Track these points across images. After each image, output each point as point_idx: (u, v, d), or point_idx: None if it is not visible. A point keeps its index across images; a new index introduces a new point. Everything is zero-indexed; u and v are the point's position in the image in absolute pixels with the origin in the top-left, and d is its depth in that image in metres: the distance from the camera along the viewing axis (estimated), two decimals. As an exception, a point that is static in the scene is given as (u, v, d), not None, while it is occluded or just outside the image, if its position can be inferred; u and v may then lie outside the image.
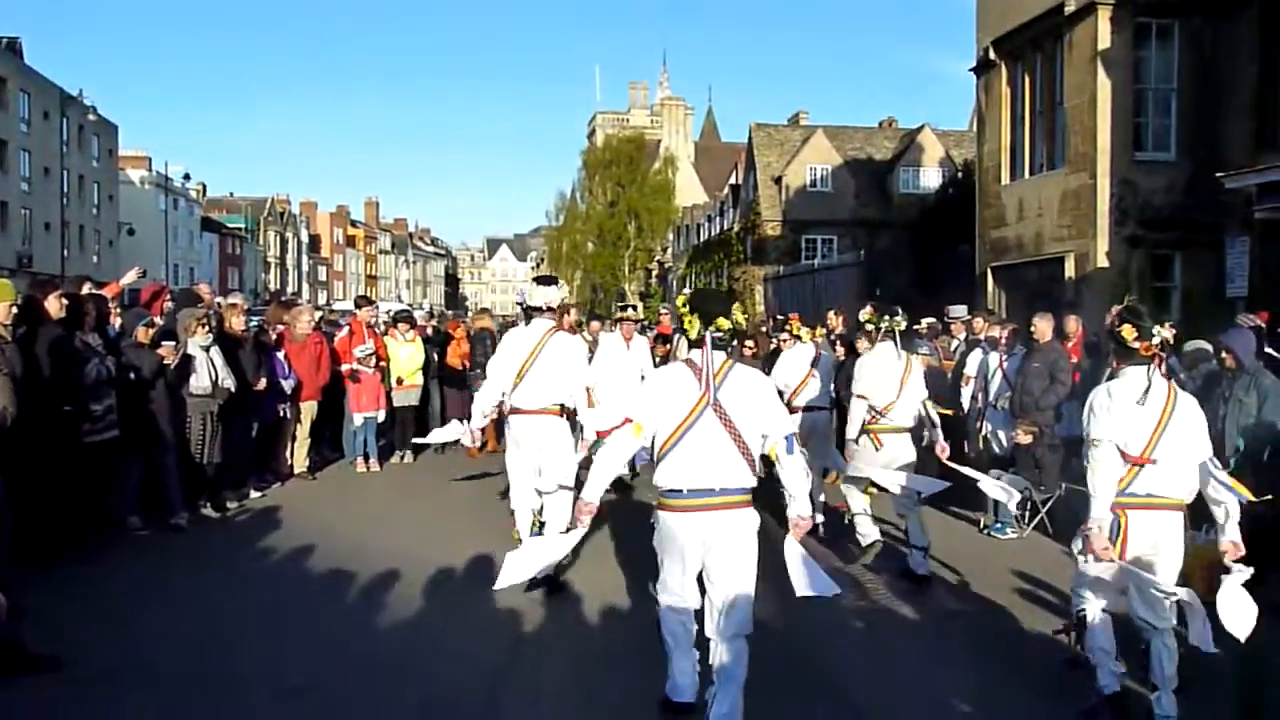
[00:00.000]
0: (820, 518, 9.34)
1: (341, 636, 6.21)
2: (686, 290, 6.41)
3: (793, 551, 4.66)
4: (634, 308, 13.56)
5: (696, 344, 4.76)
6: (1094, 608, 5.05)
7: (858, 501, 7.87)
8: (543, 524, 7.39)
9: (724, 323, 4.73)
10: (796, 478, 4.70)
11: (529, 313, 7.43)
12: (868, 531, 7.95)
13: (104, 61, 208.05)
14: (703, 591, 4.72)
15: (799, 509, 4.69)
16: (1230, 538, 4.90)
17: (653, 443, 4.68)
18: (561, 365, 7.13)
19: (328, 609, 6.79)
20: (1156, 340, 4.94)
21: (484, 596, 7.01)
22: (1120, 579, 4.91)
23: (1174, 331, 5.05)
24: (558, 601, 6.88)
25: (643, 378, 10.23)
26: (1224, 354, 7.60)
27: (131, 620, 6.40)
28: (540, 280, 7.60)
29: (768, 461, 4.73)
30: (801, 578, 4.64)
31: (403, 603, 6.84)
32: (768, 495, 5.20)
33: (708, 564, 4.63)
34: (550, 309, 7.35)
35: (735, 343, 4.85)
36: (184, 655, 5.75)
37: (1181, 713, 4.78)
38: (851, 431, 8.11)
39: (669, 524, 4.64)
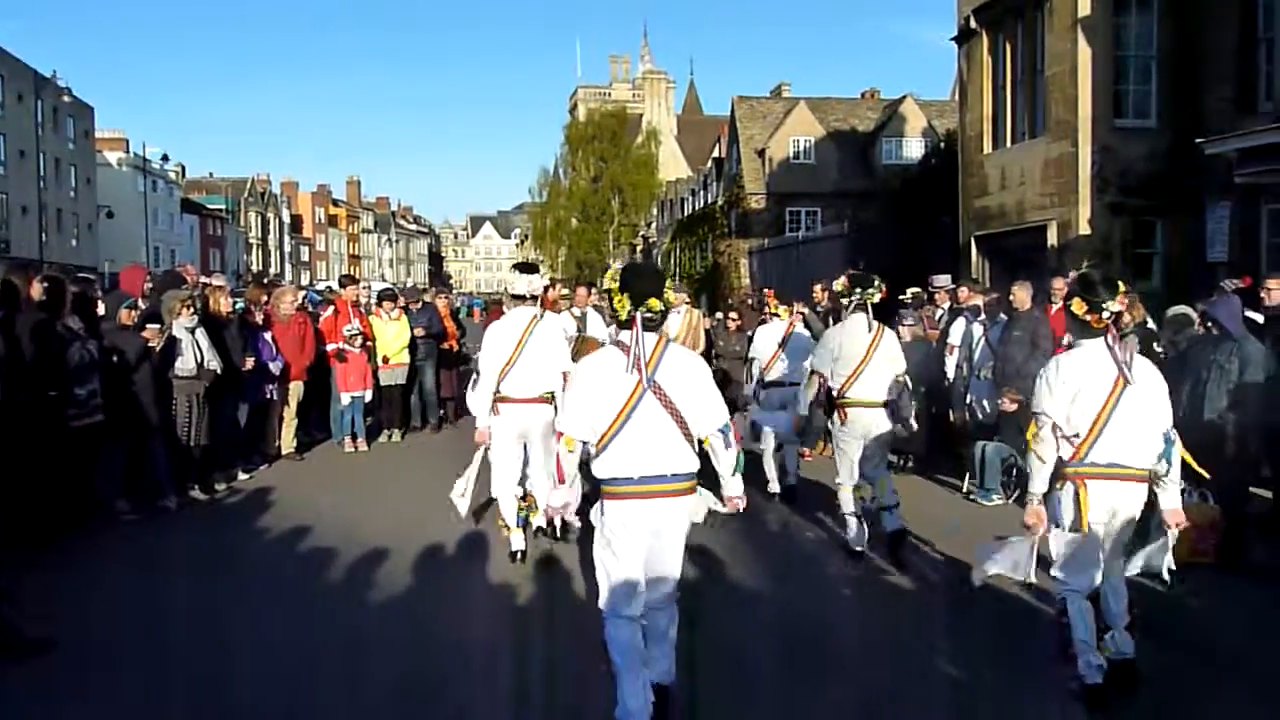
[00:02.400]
0: (776, 488, 9.50)
1: (330, 614, 6.25)
2: (617, 265, 6.19)
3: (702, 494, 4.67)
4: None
5: (626, 325, 4.55)
6: (1074, 595, 4.98)
7: (846, 502, 7.55)
8: (528, 509, 7.43)
9: (655, 303, 4.50)
10: (728, 464, 4.63)
11: (512, 300, 7.46)
12: (856, 535, 7.51)
13: (77, 42, 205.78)
14: None
15: (731, 490, 4.69)
16: (1173, 505, 5.00)
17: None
18: (548, 352, 7.16)
19: (316, 588, 6.82)
20: (1107, 314, 4.92)
21: (472, 574, 7.07)
22: (1091, 550, 4.96)
23: (1127, 301, 5.02)
24: (547, 578, 6.92)
25: None
26: (1209, 324, 7.63)
27: (122, 603, 6.42)
28: (521, 268, 7.60)
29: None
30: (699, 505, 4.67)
31: (391, 581, 6.87)
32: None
33: (651, 547, 4.52)
34: (533, 296, 7.36)
35: (662, 319, 4.61)
36: (173, 634, 5.77)
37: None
38: (800, 408, 8.14)
39: (620, 514, 4.45)
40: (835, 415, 7.55)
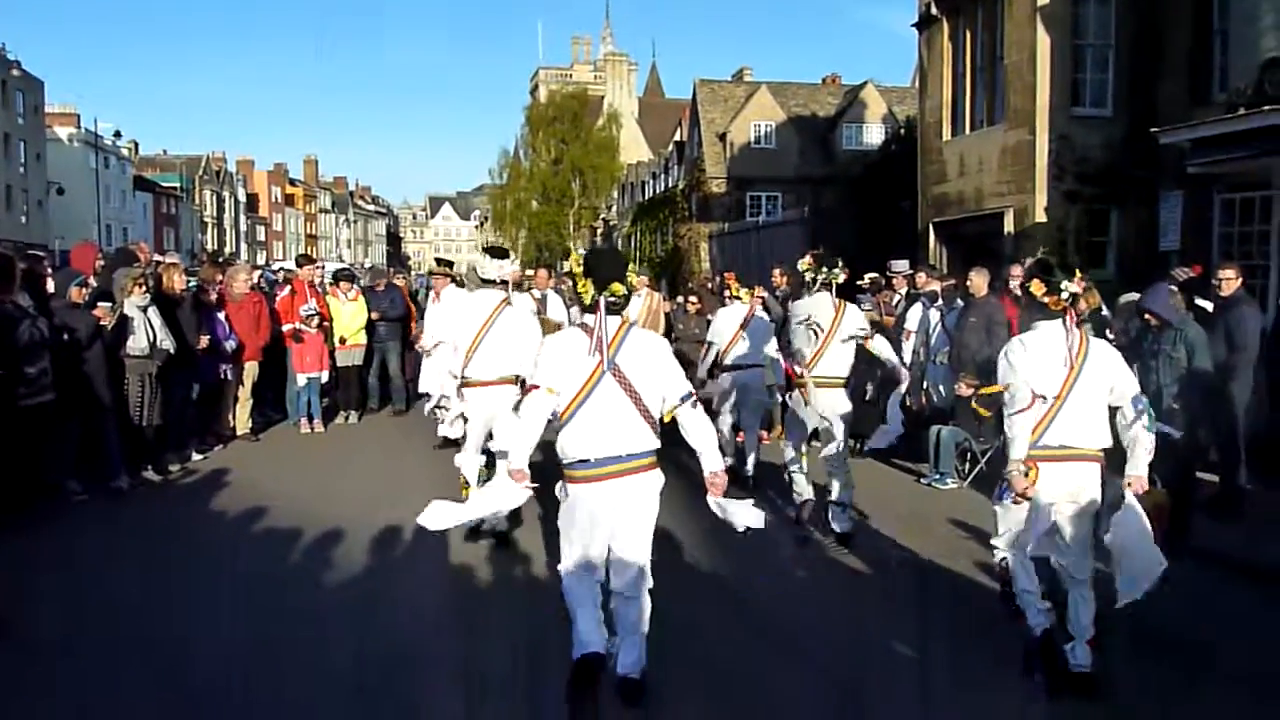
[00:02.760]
0: (750, 469, 9.54)
1: (287, 594, 6.22)
2: (580, 250, 6.21)
3: (717, 504, 4.79)
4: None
5: (590, 309, 4.71)
6: (1013, 556, 5.15)
7: (801, 481, 7.66)
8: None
9: (619, 287, 4.66)
10: (701, 433, 4.75)
11: (479, 283, 7.37)
12: (802, 489, 7.72)
13: (27, 14, 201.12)
14: None
15: (710, 464, 4.75)
16: (1137, 472, 5.08)
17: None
18: (514, 337, 7.10)
19: (272, 568, 6.78)
20: (1065, 295, 4.99)
21: (430, 554, 7.04)
22: (1042, 523, 5.03)
23: (1084, 285, 5.11)
24: (504, 558, 6.93)
25: None
26: (1146, 317, 7.76)
27: (74, 585, 6.33)
28: (492, 252, 7.53)
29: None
30: (734, 518, 4.82)
31: (348, 560, 6.84)
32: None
33: (614, 527, 4.65)
34: (503, 281, 7.31)
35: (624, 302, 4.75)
36: (128, 618, 5.72)
37: (1097, 666, 4.94)
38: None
39: (579, 495, 4.63)
40: (796, 392, 7.57)
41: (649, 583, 4.73)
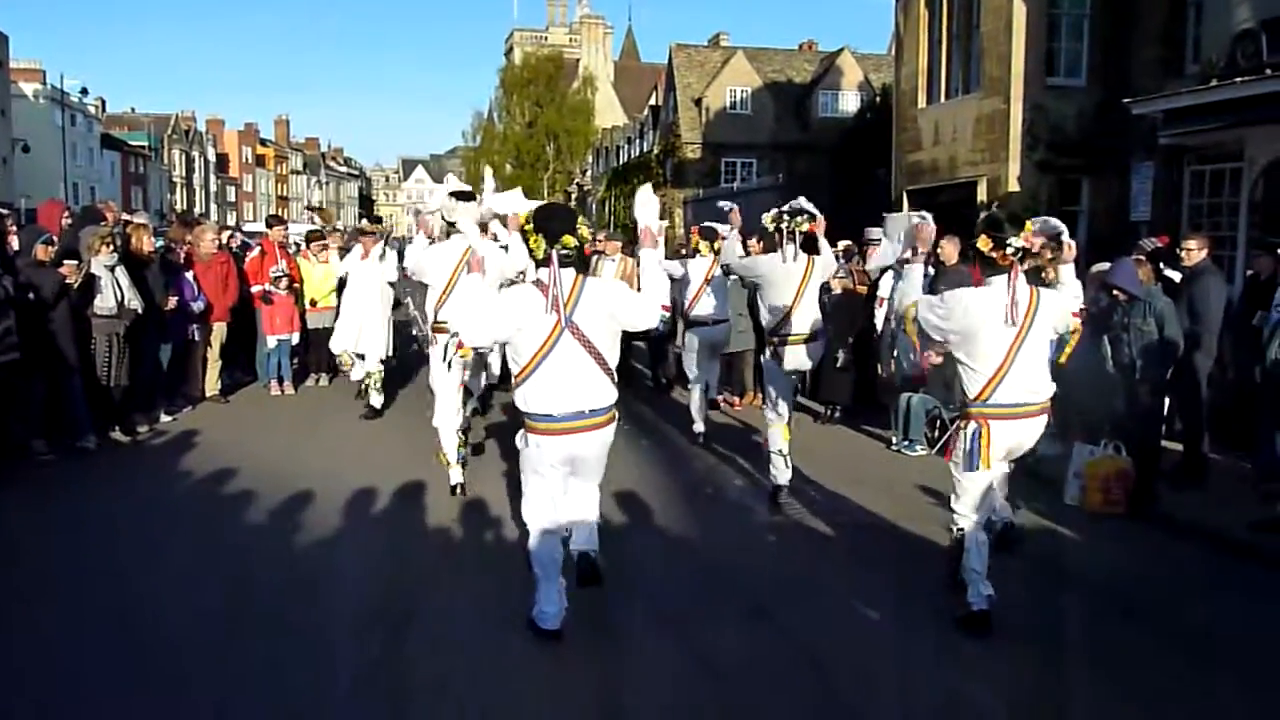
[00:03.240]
0: (701, 428, 9.61)
1: (255, 555, 6.20)
2: (530, 206, 6.19)
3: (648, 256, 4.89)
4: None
5: (543, 263, 4.72)
6: (971, 525, 5.19)
7: (777, 439, 7.51)
8: (470, 445, 7.47)
9: (570, 239, 4.67)
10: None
11: (448, 228, 7.31)
12: (779, 474, 7.55)
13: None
14: None
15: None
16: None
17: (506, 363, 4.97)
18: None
19: (242, 530, 6.75)
20: (1011, 250, 4.98)
21: (401, 517, 7.05)
22: (989, 487, 5.18)
23: (1029, 240, 5.11)
24: (477, 520, 6.93)
25: None
26: (1114, 293, 7.82)
27: (39, 546, 6.29)
28: (459, 195, 7.44)
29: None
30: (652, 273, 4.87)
31: (319, 523, 6.82)
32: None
33: (574, 468, 4.88)
34: (483, 225, 7.26)
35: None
36: (94, 579, 5.69)
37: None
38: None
39: (540, 445, 4.75)
40: (769, 353, 7.55)
41: (596, 515, 5.08)
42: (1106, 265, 9.22)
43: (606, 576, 5.00)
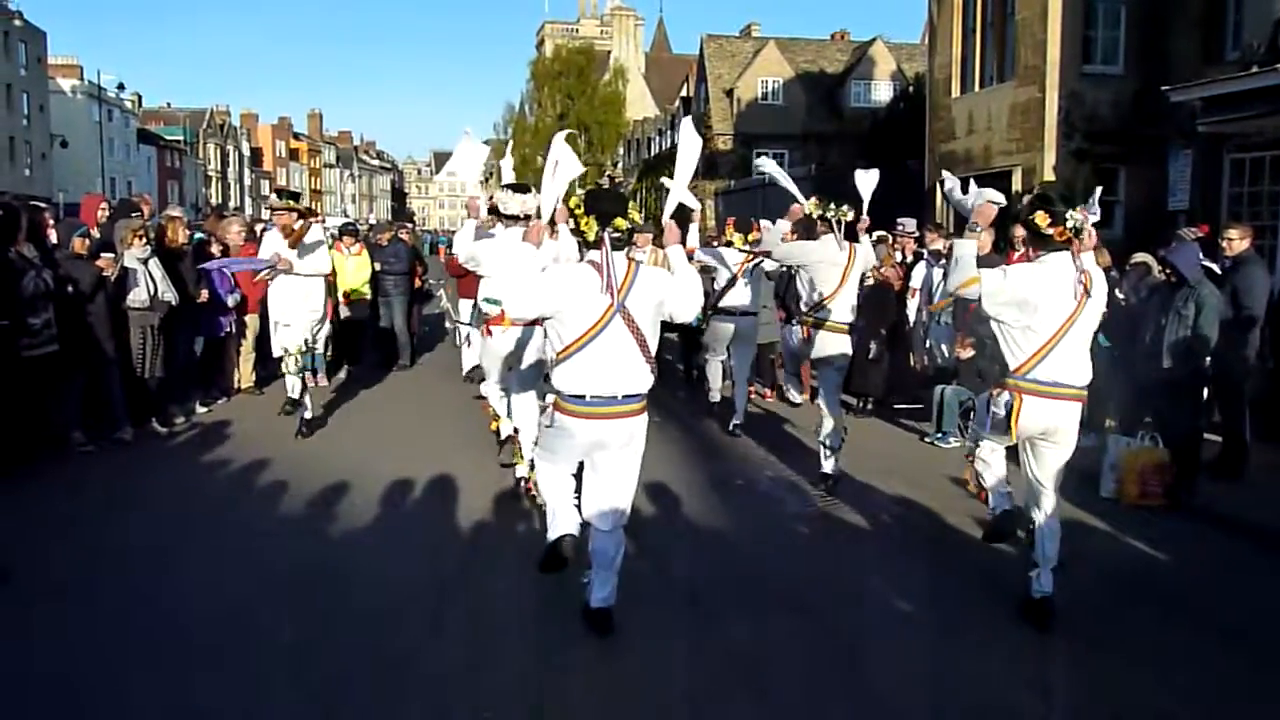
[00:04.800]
0: (716, 397, 9.91)
1: (290, 544, 6.24)
2: (580, 191, 6.18)
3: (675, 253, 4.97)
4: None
5: (594, 245, 4.75)
6: (991, 474, 5.40)
7: (828, 428, 7.58)
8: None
9: (621, 222, 4.71)
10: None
11: (503, 220, 7.22)
12: (828, 469, 7.67)
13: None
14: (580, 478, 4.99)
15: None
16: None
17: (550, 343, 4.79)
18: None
19: (276, 518, 6.81)
20: (1070, 225, 4.87)
21: (432, 510, 7.07)
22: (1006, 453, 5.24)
23: (1086, 216, 4.99)
24: (508, 514, 6.93)
25: None
26: (1167, 270, 7.71)
27: (76, 536, 6.35)
28: (514, 188, 7.38)
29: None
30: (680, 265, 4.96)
31: (351, 515, 6.85)
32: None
33: (597, 459, 4.82)
34: (526, 216, 7.18)
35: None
36: (129, 570, 5.75)
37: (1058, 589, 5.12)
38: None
39: (567, 425, 4.73)
40: (797, 327, 7.72)
41: (626, 520, 4.89)
42: (1146, 255, 9.12)
43: (636, 566, 5.01)
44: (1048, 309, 4.90)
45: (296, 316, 9.01)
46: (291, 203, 9.39)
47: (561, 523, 4.86)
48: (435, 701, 4.29)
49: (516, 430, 7.21)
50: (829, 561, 6.24)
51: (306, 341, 9.12)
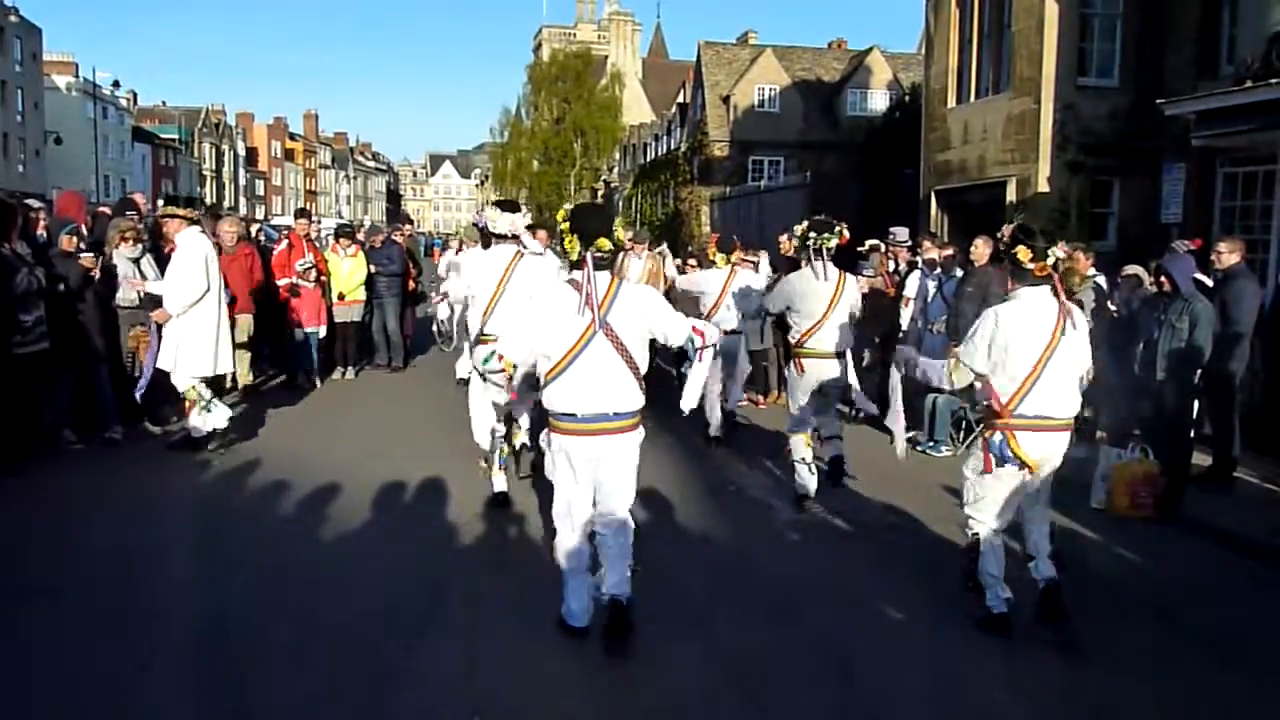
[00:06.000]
0: (716, 433, 9.60)
1: (281, 545, 6.25)
2: (567, 206, 6.10)
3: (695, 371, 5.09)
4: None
5: (577, 265, 4.73)
6: (987, 530, 5.16)
7: (798, 448, 7.56)
8: (516, 445, 7.48)
9: (605, 242, 4.68)
10: (694, 382, 5.09)
11: (489, 238, 7.19)
12: (806, 482, 7.60)
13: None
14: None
15: (689, 400, 5.18)
16: None
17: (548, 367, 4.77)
18: (529, 290, 6.98)
19: (267, 519, 6.80)
20: (1051, 260, 4.92)
21: (426, 512, 7.07)
22: (1005, 493, 5.12)
23: (1068, 251, 5.04)
24: (502, 519, 6.93)
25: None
26: (1161, 279, 7.76)
27: (64, 535, 6.35)
28: (502, 205, 7.33)
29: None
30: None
31: (344, 516, 6.84)
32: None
33: (598, 475, 4.82)
34: (514, 235, 7.15)
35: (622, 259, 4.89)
36: (118, 569, 5.74)
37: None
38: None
39: (563, 445, 4.76)
40: (792, 364, 7.58)
41: (631, 525, 4.92)
42: (1138, 267, 9.16)
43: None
44: (1023, 345, 4.93)
45: (202, 339, 8.25)
46: (175, 210, 8.80)
47: (575, 608, 4.90)
48: (427, 704, 4.29)
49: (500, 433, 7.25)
50: (821, 568, 6.25)
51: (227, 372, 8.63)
